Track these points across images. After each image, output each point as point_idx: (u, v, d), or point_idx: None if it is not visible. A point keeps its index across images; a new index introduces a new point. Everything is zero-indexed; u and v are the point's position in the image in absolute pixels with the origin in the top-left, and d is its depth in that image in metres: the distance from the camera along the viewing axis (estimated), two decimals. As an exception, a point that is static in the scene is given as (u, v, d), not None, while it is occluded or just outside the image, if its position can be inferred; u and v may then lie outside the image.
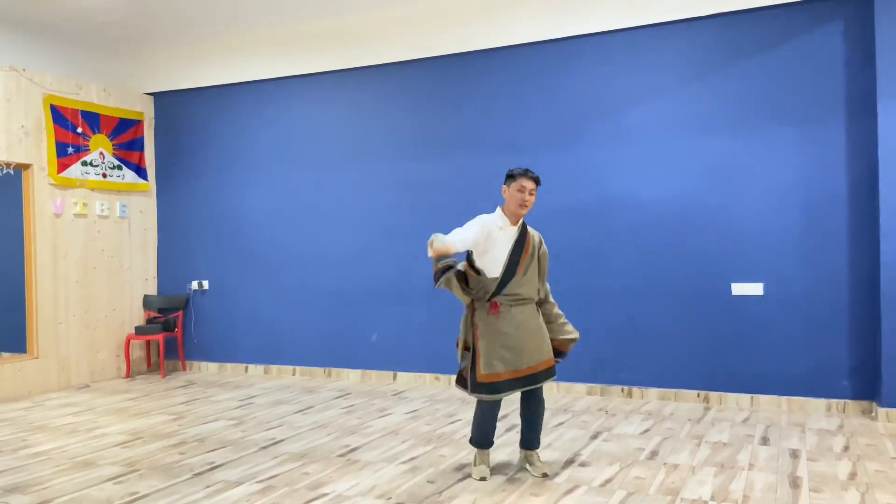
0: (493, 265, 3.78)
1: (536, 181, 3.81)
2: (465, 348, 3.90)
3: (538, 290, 3.93)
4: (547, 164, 6.12)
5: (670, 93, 5.74)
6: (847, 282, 5.24)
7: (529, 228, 3.93)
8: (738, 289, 5.50)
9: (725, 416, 5.20)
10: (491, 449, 4.02)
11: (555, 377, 3.94)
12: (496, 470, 4.02)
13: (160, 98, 7.79)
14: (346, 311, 6.92)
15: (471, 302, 3.85)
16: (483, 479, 3.84)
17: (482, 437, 3.93)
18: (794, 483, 3.71)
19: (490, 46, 6.29)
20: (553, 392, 6.07)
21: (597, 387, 5.96)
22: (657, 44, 5.78)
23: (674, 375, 5.72)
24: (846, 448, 4.34)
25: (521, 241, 3.83)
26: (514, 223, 3.85)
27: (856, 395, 5.22)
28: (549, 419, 5.16)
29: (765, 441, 4.52)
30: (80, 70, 7.17)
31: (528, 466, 3.98)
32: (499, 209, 3.88)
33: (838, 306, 5.26)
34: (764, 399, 5.44)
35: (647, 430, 4.81)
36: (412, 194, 6.64)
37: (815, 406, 5.30)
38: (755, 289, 5.46)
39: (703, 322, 5.62)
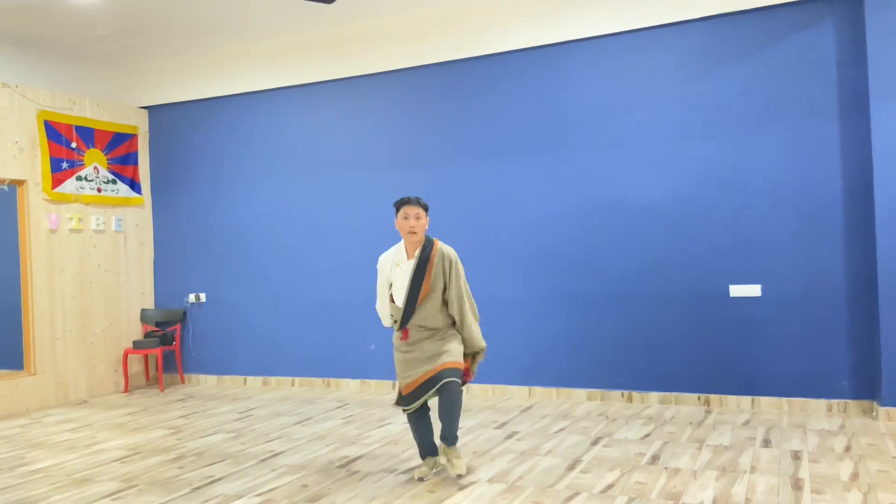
0: (398, 296, 3.99)
1: (418, 203, 3.92)
2: None
3: (449, 315, 4.00)
4: (542, 169, 6.13)
5: (663, 96, 5.75)
6: (844, 281, 5.23)
7: (438, 250, 3.96)
8: (736, 290, 5.49)
9: (726, 418, 5.18)
10: (436, 457, 4.11)
11: (459, 378, 3.92)
12: (496, 478, 3.99)
13: (154, 112, 7.79)
14: (343, 321, 6.90)
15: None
16: (421, 479, 3.99)
17: (418, 446, 4.13)
18: (797, 485, 3.69)
19: (483, 53, 6.29)
20: (553, 398, 6.05)
21: (597, 392, 5.94)
22: (649, 47, 5.79)
23: (674, 379, 5.70)
24: (848, 448, 4.32)
25: (421, 271, 3.91)
26: (412, 255, 3.96)
27: (856, 395, 5.21)
28: (549, 425, 5.14)
29: (766, 443, 4.50)
30: (73, 85, 7.17)
31: (444, 461, 4.09)
32: (401, 242, 4.05)
33: (836, 306, 5.25)
34: (765, 401, 5.42)
35: (647, 435, 4.79)
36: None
37: (816, 407, 5.28)
38: (753, 290, 5.45)
39: (702, 325, 5.61)
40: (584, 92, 6.01)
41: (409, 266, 3.95)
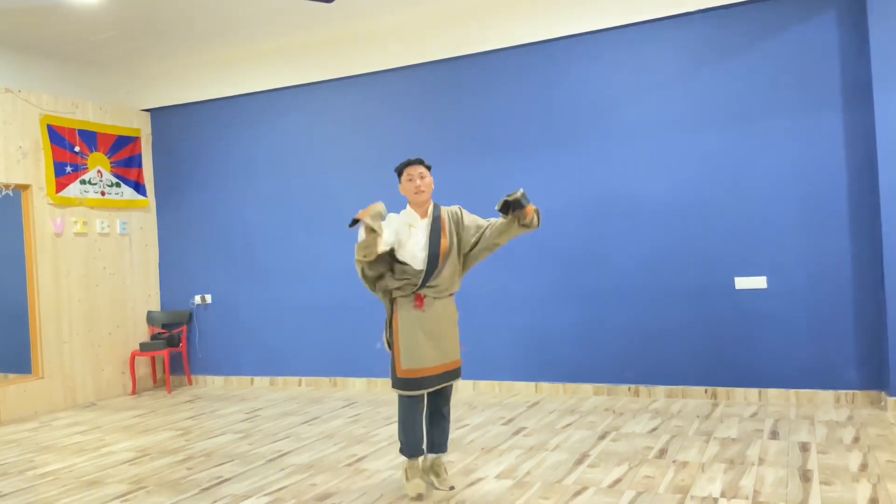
0: (413, 258, 3.68)
1: (421, 163, 3.72)
2: (390, 346, 3.83)
3: (460, 279, 3.83)
4: (545, 165, 6.12)
5: (666, 89, 5.73)
6: (850, 271, 5.22)
7: (445, 210, 3.78)
8: (742, 283, 5.48)
9: (734, 411, 5.17)
10: (422, 458, 3.79)
11: (460, 377, 3.84)
12: (504, 474, 4.00)
13: (157, 114, 7.80)
14: (349, 320, 6.91)
15: (390, 298, 3.77)
16: (420, 494, 3.63)
17: (410, 441, 3.71)
18: (805, 476, 3.68)
19: (483, 50, 6.29)
20: (559, 393, 6.05)
21: (603, 386, 5.93)
22: (651, 40, 5.77)
23: (680, 372, 5.69)
24: (856, 439, 4.31)
25: (437, 229, 3.69)
26: (424, 215, 3.73)
27: (864, 386, 5.19)
28: (556, 420, 5.14)
29: (774, 435, 4.49)
30: (75, 89, 7.19)
31: (433, 478, 3.78)
32: (407, 207, 3.77)
33: (843, 296, 5.24)
34: (772, 393, 5.41)
35: (655, 429, 4.78)
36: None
37: (824, 398, 5.27)
38: (759, 282, 5.43)
39: (708, 318, 5.60)
40: (586, 87, 6.00)
41: (424, 224, 3.70)
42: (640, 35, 5.80)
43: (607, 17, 5.83)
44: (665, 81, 5.73)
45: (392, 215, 3.75)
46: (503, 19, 6.18)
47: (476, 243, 3.78)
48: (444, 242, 3.71)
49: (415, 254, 3.69)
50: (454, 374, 3.78)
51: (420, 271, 3.67)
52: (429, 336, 3.68)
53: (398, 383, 3.68)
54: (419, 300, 3.68)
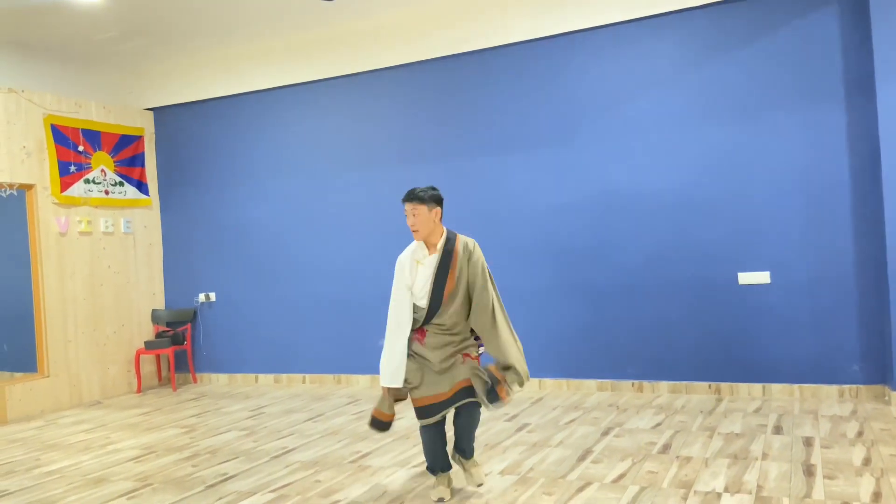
0: (419, 295, 3.61)
1: (412, 198, 3.57)
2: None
3: (467, 319, 3.63)
4: (547, 161, 6.12)
5: (668, 84, 5.72)
6: (853, 266, 5.21)
7: (459, 242, 3.63)
8: (745, 278, 5.48)
9: (737, 406, 5.17)
10: (450, 472, 3.75)
11: (476, 398, 3.58)
12: (507, 470, 4.01)
13: (160, 113, 7.82)
14: (353, 317, 6.92)
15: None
16: (441, 499, 3.61)
17: (431, 461, 3.71)
18: (809, 471, 3.69)
19: (485, 46, 6.29)
20: (563, 389, 6.06)
21: (607, 382, 5.94)
22: (653, 35, 5.77)
23: (684, 368, 5.69)
24: (860, 433, 4.31)
25: (445, 264, 3.58)
26: (433, 250, 3.62)
27: (868, 380, 5.19)
28: (559, 416, 5.15)
29: (778, 430, 4.49)
30: (79, 89, 7.21)
31: (463, 472, 3.73)
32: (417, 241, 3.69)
33: (846, 291, 5.23)
34: (776, 388, 5.41)
35: (658, 424, 4.79)
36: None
37: (828, 392, 5.26)
38: (762, 277, 5.43)
39: (712, 313, 5.60)
40: (588, 82, 5.99)
41: (432, 261, 3.60)
42: (642, 30, 5.79)
43: (608, 13, 5.82)
44: (667, 77, 5.73)
45: (403, 253, 3.68)
46: (504, 16, 6.17)
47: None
48: (452, 278, 3.58)
49: (421, 287, 3.60)
50: (470, 391, 3.56)
51: (423, 309, 3.60)
52: (425, 372, 3.58)
53: (415, 411, 3.64)
54: (420, 333, 3.63)
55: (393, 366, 3.61)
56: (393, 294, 3.67)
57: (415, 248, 3.68)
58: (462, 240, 3.66)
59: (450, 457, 3.75)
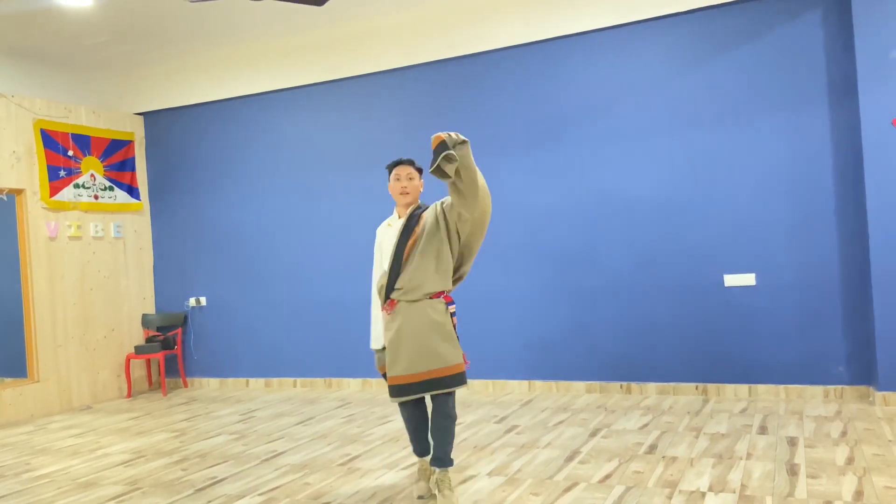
0: (385, 258, 3.67)
1: (411, 164, 3.66)
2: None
3: (442, 280, 3.53)
4: (536, 165, 6.17)
5: (653, 88, 5.78)
6: (838, 267, 5.27)
7: (431, 207, 3.62)
8: (731, 280, 5.53)
9: (724, 407, 5.22)
10: (427, 458, 3.71)
11: (465, 384, 3.51)
12: (495, 471, 4.04)
13: (150, 117, 7.83)
14: (344, 320, 6.94)
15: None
16: (421, 497, 3.59)
17: (413, 443, 3.73)
18: (792, 470, 3.73)
19: (475, 51, 6.33)
20: (553, 391, 6.10)
21: (596, 384, 5.98)
22: (639, 41, 5.82)
23: (671, 369, 5.74)
24: (844, 433, 4.36)
25: (408, 228, 3.56)
26: (403, 214, 3.67)
27: (852, 381, 5.24)
28: (548, 418, 5.18)
29: (763, 430, 4.54)
30: (68, 93, 7.21)
31: (436, 492, 3.49)
32: (395, 209, 3.76)
33: (831, 292, 5.29)
34: (762, 388, 5.46)
35: (645, 425, 4.83)
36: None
37: (813, 393, 5.32)
38: (748, 279, 5.48)
39: (698, 315, 5.65)
40: (576, 86, 6.04)
41: (398, 224, 3.63)
42: (630, 35, 5.85)
43: (597, 17, 5.88)
44: (654, 81, 5.78)
45: (381, 224, 3.82)
46: (495, 21, 6.22)
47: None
48: (413, 239, 3.54)
49: (386, 253, 3.67)
50: (441, 382, 3.44)
51: (385, 273, 3.60)
52: (407, 343, 3.47)
53: (389, 388, 3.57)
54: (390, 304, 3.56)
55: (376, 331, 3.74)
56: (374, 264, 3.80)
57: (390, 218, 3.77)
58: (436, 203, 3.63)
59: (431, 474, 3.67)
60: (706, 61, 5.62)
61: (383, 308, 3.61)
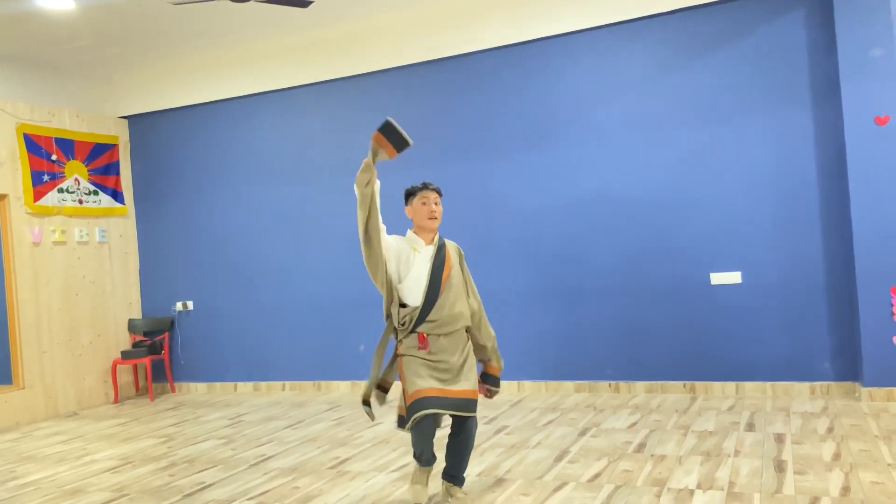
0: (413, 292, 3.46)
1: (438, 192, 3.60)
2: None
3: (469, 310, 3.56)
4: (521, 166, 6.18)
5: (638, 89, 5.81)
6: (823, 265, 5.31)
7: (448, 242, 3.63)
8: (717, 278, 5.56)
9: (711, 404, 5.25)
10: (432, 468, 3.55)
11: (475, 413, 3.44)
12: (485, 472, 4.04)
13: (134, 121, 7.78)
14: (332, 323, 6.93)
15: (394, 334, 3.54)
16: (418, 503, 3.51)
17: (420, 451, 3.45)
18: (779, 467, 3.76)
19: (460, 52, 6.33)
20: (542, 391, 6.11)
21: (585, 384, 6.00)
22: (623, 41, 5.85)
23: (659, 368, 5.77)
24: (830, 429, 4.40)
25: (441, 257, 3.50)
26: (430, 241, 3.55)
27: (839, 377, 5.29)
28: (537, 418, 5.19)
29: (750, 427, 4.57)
30: (52, 97, 7.15)
31: (449, 498, 3.53)
32: (409, 232, 3.61)
33: (816, 290, 5.33)
34: (749, 386, 5.49)
35: (634, 424, 4.85)
36: (390, 202, 6.64)
37: (800, 390, 5.36)
38: (734, 277, 5.52)
39: (685, 313, 5.68)
40: (561, 87, 6.06)
41: (429, 250, 3.50)
42: (615, 36, 5.87)
43: (582, 18, 5.90)
44: (640, 81, 5.81)
45: (394, 237, 3.57)
46: (479, 23, 6.23)
47: None
48: (448, 268, 3.49)
49: (416, 281, 3.47)
50: (473, 404, 3.40)
51: (416, 308, 3.43)
52: (435, 369, 3.40)
53: (409, 410, 3.33)
54: (422, 340, 3.41)
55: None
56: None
57: (410, 238, 3.59)
58: (449, 243, 3.65)
59: (442, 485, 3.59)
60: (690, 62, 5.65)
61: (418, 347, 3.43)
